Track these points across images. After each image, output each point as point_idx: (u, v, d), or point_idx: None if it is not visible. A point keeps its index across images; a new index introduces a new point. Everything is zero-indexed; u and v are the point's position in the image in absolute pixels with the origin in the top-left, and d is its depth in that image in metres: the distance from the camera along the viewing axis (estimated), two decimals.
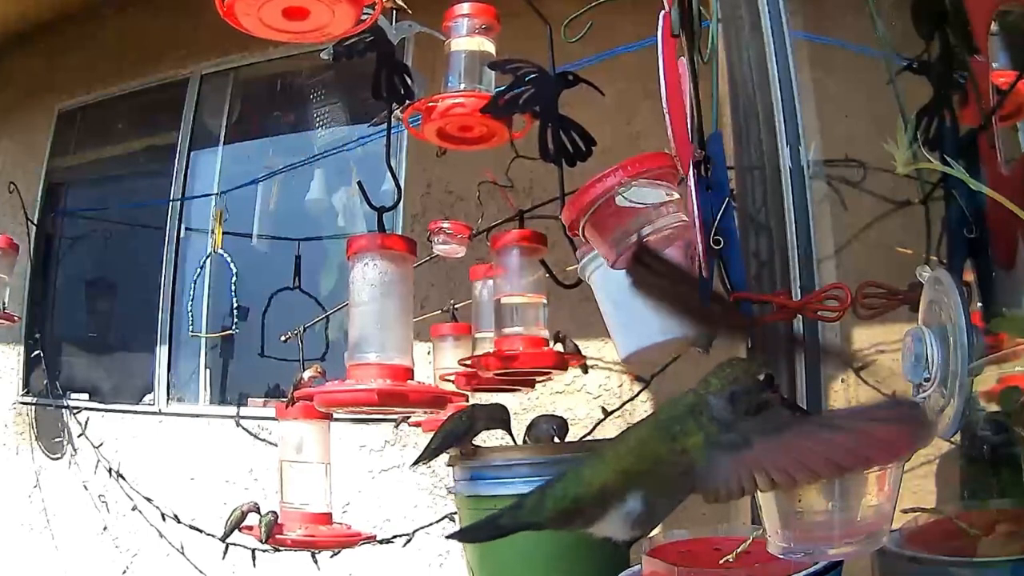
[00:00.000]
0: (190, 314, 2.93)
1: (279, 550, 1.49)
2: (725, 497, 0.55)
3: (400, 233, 1.41)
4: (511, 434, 1.39)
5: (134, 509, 2.80)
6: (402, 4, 1.22)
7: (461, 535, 0.74)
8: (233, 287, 2.84)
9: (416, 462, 1.35)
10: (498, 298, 1.29)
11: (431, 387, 1.18)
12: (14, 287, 2.36)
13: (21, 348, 3.38)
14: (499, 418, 1.35)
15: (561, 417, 1.47)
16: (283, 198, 3.13)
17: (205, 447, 2.86)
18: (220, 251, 2.84)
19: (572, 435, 1.52)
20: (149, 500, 2.72)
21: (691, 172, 0.78)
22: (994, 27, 0.90)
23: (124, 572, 2.91)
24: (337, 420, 1.46)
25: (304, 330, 2.00)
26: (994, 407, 0.87)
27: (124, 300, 3.58)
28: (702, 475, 0.56)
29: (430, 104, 1.28)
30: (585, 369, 1.82)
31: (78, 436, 3.07)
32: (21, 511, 3.20)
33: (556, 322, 1.35)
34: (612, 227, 0.83)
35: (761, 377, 0.58)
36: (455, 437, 1.28)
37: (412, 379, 1.10)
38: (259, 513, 1.47)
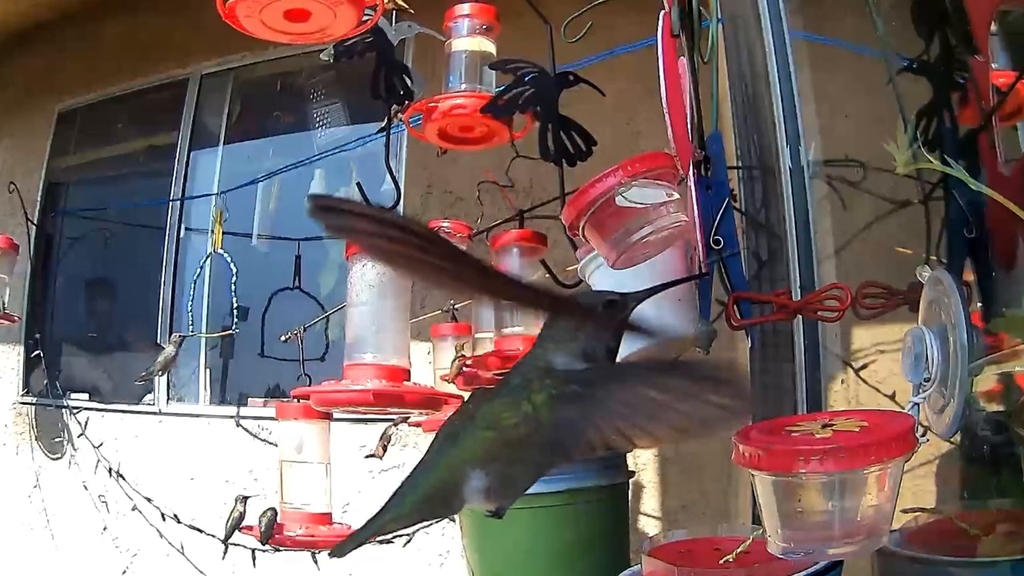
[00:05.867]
0: (190, 314, 2.93)
1: (279, 550, 1.49)
2: (582, 453, 0.54)
3: None
4: None
5: (134, 509, 2.80)
6: (403, 4, 1.22)
7: (333, 551, 0.67)
8: (233, 287, 2.84)
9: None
10: None
11: (427, 388, 1.18)
12: (14, 287, 2.36)
13: (21, 348, 3.39)
14: None
15: None
16: (283, 198, 3.13)
17: (205, 447, 2.86)
18: (220, 251, 2.84)
19: None
20: (149, 500, 2.72)
21: (691, 172, 0.79)
22: (994, 27, 0.90)
23: (124, 572, 2.91)
24: (337, 420, 1.46)
25: (304, 330, 2.00)
26: (994, 407, 0.87)
27: (124, 300, 3.58)
28: (552, 434, 0.54)
29: (431, 104, 1.28)
30: None
31: (78, 436, 3.07)
32: (21, 511, 3.20)
33: None
34: (612, 227, 0.83)
35: (599, 310, 0.57)
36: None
37: (408, 380, 1.10)
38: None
